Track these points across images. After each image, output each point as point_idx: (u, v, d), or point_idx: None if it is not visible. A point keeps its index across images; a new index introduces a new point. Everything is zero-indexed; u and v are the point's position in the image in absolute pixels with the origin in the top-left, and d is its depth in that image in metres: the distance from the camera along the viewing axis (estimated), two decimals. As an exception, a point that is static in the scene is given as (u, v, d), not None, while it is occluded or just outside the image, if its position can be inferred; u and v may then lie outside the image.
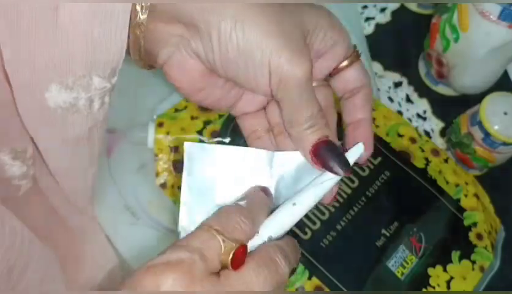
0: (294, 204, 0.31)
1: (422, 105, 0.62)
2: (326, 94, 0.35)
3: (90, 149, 0.39)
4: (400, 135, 0.54)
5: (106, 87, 0.33)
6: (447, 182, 0.52)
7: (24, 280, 0.35)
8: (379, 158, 0.52)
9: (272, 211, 0.31)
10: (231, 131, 0.52)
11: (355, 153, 0.33)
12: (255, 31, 0.29)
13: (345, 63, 0.34)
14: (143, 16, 0.30)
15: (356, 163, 0.33)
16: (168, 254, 0.26)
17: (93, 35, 0.30)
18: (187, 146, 0.32)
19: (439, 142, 0.60)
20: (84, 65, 0.31)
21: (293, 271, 0.30)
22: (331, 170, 0.31)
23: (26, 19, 0.30)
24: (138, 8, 0.30)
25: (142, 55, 0.32)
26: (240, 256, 0.27)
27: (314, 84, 0.33)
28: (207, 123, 0.53)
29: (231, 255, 0.27)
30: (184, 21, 0.30)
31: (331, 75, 0.35)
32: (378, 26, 0.67)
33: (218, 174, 0.32)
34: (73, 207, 0.47)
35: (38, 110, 0.34)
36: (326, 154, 0.31)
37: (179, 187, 0.51)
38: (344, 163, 0.31)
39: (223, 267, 0.27)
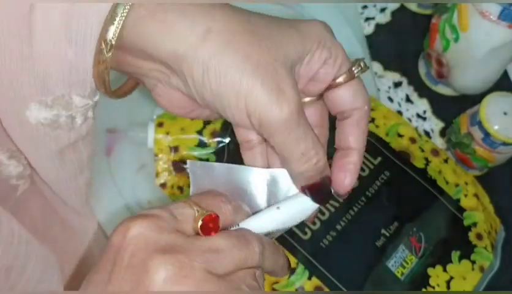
0: (278, 208, 0.31)
1: (422, 105, 0.62)
2: (322, 113, 0.33)
3: (78, 159, 0.38)
4: (400, 135, 0.54)
5: (88, 104, 0.32)
6: (447, 182, 0.52)
7: (22, 281, 0.35)
8: (379, 158, 0.52)
9: None
10: (231, 131, 0.52)
11: None
12: (229, 73, 0.27)
13: (340, 79, 0.31)
14: (107, 55, 0.28)
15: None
16: (145, 210, 0.28)
17: (67, 57, 0.29)
18: (189, 164, 0.32)
19: (439, 142, 0.60)
20: (62, 85, 0.30)
21: (289, 269, 0.30)
22: (319, 203, 0.32)
23: (3, 38, 0.29)
24: (103, 45, 0.28)
25: (107, 89, 0.31)
26: (210, 223, 0.27)
27: (307, 100, 0.32)
28: (207, 123, 0.53)
29: (200, 221, 0.27)
30: (159, 60, 0.29)
31: (323, 92, 0.32)
32: (378, 26, 0.67)
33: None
34: (71, 208, 0.47)
35: (20, 126, 0.33)
36: (316, 194, 0.31)
37: (179, 187, 0.51)
38: (329, 198, 0.32)
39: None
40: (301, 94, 0.30)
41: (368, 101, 0.32)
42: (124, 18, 0.27)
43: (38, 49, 0.29)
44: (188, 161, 0.32)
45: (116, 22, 0.27)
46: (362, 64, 0.31)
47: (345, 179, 0.31)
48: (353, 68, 0.31)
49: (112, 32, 0.27)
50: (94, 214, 0.50)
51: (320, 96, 0.32)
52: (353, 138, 0.32)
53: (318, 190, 0.31)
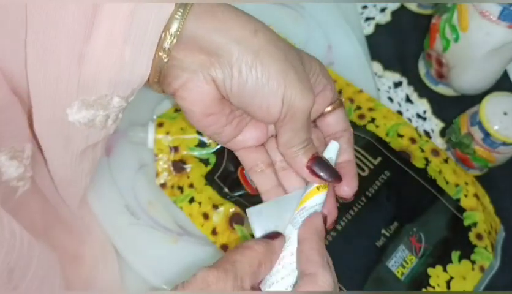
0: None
1: (422, 105, 0.62)
2: (318, 136, 0.38)
3: (93, 157, 0.40)
4: (400, 135, 0.54)
5: (122, 106, 0.35)
6: (447, 182, 0.52)
7: (25, 282, 0.35)
8: (379, 158, 0.52)
9: None
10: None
11: (333, 150, 0.36)
12: (273, 65, 0.32)
13: (329, 108, 0.37)
14: (171, 42, 0.32)
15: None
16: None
17: (123, 57, 0.32)
18: (249, 213, 0.35)
19: (439, 142, 0.60)
20: (109, 86, 0.33)
21: None
22: (326, 180, 0.34)
23: (60, 38, 0.31)
24: (168, 34, 0.32)
25: (161, 78, 0.34)
26: None
27: None
28: (207, 123, 0.53)
29: None
30: (207, 50, 0.33)
31: (316, 119, 0.38)
32: (378, 26, 0.67)
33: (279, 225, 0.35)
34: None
35: (55, 123, 0.35)
36: (319, 167, 0.34)
37: (179, 187, 0.51)
38: (335, 173, 0.35)
39: None
40: None
41: (350, 127, 0.39)
42: (187, 13, 0.32)
43: (94, 48, 0.32)
44: (247, 210, 0.35)
45: (179, 17, 0.32)
46: (340, 97, 0.38)
47: (348, 187, 0.36)
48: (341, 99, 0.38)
49: (176, 26, 0.32)
50: (94, 214, 0.50)
51: (314, 123, 0.38)
52: (347, 152, 0.37)
53: (319, 161, 0.35)
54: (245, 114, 0.37)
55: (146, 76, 0.34)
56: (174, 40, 0.32)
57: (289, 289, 0.32)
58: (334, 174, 0.35)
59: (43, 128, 0.37)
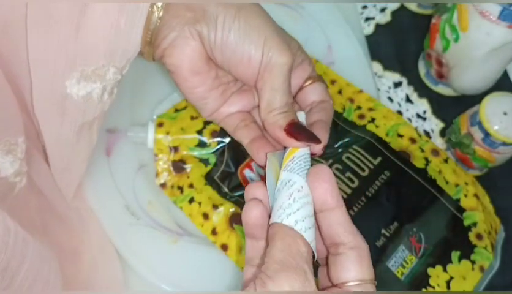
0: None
1: (422, 105, 0.62)
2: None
3: (89, 140, 0.42)
4: (400, 135, 0.54)
5: (117, 79, 0.37)
6: (447, 182, 0.52)
7: (17, 280, 0.35)
8: (379, 158, 0.52)
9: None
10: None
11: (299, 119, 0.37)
12: (255, 19, 0.35)
13: (309, 82, 0.39)
14: (161, 5, 0.35)
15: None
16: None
17: (119, 24, 0.34)
18: (269, 156, 0.35)
19: (439, 142, 0.60)
20: (105, 55, 0.35)
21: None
22: (304, 141, 0.35)
23: (58, 11, 0.33)
24: (159, 5, 0.35)
25: (152, 39, 0.36)
26: None
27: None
28: (207, 123, 0.53)
29: None
30: (193, 8, 0.35)
31: (296, 95, 0.40)
32: (378, 26, 0.67)
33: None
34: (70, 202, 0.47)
35: (54, 97, 0.37)
36: (297, 130, 0.35)
37: (179, 187, 0.51)
38: (313, 135, 0.36)
39: None
40: None
41: (332, 99, 0.40)
42: None
43: (92, 18, 0.33)
44: (268, 154, 0.36)
45: None
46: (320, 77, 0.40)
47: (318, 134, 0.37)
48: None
49: None
50: (92, 211, 0.50)
51: (294, 99, 0.40)
52: (319, 115, 0.38)
53: (297, 126, 0.35)
54: (231, 83, 0.39)
55: (139, 44, 0.35)
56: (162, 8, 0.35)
57: (307, 219, 0.31)
58: (311, 136, 0.35)
59: (42, 105, 0.38)
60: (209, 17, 0.35)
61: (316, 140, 0.35)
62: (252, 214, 0.32)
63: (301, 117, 0.37)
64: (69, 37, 0.34)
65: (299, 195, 0.32)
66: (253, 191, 0.33)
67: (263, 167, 0.37)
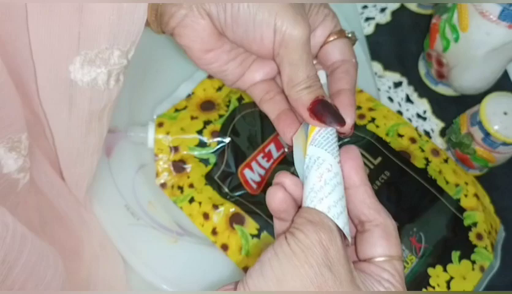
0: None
1: (422, 105, 0.62)
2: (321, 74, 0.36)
3: (100, 132, 0.41)
4: (400, 135, 0.54)
5: (123, 63, 0.35)
6: (447, 182, 0.52)
7: (12, 275, 0.35)
8: (379, 158, 0.52)
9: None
10: (231, 131, 0.52)
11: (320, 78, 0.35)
12: None
13: (331, 38, 0.36)
14: None
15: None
16: None
17: (121, 6, 0.32)
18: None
19: (439, 142, 0.60)
20: (109, 37, 0.33)
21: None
22: (328, 123, 0.33)
23: None
24: None
25: (158, 17, 0.35)
26: None
27: None
28: (207, 123, 0.53)
29: None
30: None
31: (318, 54, 0.37)
32: (378, 26, 0.67)
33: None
34: (70, 201, 0.47)
35: (59, 83, 0.36)
36: (322, 109, 0.33)
37: (179, 187, 0.51)
38: (339, 116, 0.33)
39: None
40: None
41: (355, 57, 0.37)
42: None
43: (93, 0, 0.32)
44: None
45: None
46: (352, 32, 0.37)
47: (345, 116, 0.34)
48: (345, 31, 0.37)
49: None
50: (93, 211, 0.50)
51: (316, 57, 0.37)
52: (343, 81, 0.35)
53: (323, 104, 0.33)
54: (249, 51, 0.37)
55: (143, 25, 0.34)
56: None
57: (339, 203, 0.31)
58: (336, 117, 0.33)
59: (48, 95, 0.37)
60: None
61: (342, 122, 0.33)
62: (275, 197, 0.32)
63: (322, 77, 0.35)
64: (71, 19, 0.33)
65: (329, 175, 0.31)
66: (280, 178, 0.32)
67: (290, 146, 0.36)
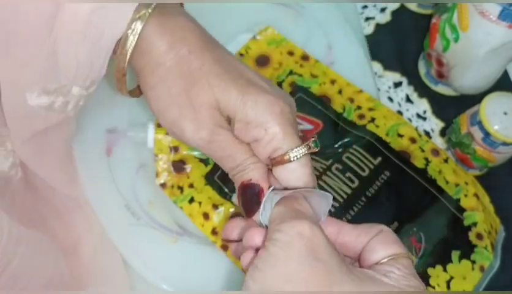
0: None
1: (422, 105, 0.62)
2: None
3: (64, 132, 0.42)
4: (400, 135, 0.54)
5: (82, 95, 0.36)
6: (447, 182, 0.52)
7: (4, 276, 0.35)
8: (379, 158, 0.52)
9: None
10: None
11: (324, 203, 0.33)
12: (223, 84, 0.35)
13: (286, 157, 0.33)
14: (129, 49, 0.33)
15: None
16: None
17: (82, 53, 0.33)
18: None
19: (439, 142, 0.60)
20: (68, 77, 0.34)
21: None
22: (244, 205, 0.35)
23: (23, 34, 0.32)
24: (129, 36, 0.33)
25: (124, 84, 0.36)
26: None
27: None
28: (207, 123, 0.52)
29: None
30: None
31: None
32: (378, 26, 0.67)
33: None
34: (64, 195, 0.47)
35: (17, 105, 0.36)
36: (245, 193, 0.35)
37: (179, 187, 0.51)
38: (251, 207, 0.34)
39: None
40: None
41: (312, 182, 0.34)
42: (147, 16, 0.33)
43: (59, 41, 0.32)
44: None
45: (139, 23, 0.33)
46: (310, 144, 0.33)
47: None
48: (296, 149, 0.33)
49: (138, 27, 0.33)
50: (90, 205, 0.50)
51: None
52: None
53: (250, 188, 0.34)
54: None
55: (102, 74, 0.35)
56: (133, 44, 0.33)
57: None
58: (254, 207, 0.34)
59: (8, 110, 0.38)
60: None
61: (248, 215, 0.35)
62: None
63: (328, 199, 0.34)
64: (37, 51, 0.33)
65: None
66: (251, 240, 0.32)
67: None
